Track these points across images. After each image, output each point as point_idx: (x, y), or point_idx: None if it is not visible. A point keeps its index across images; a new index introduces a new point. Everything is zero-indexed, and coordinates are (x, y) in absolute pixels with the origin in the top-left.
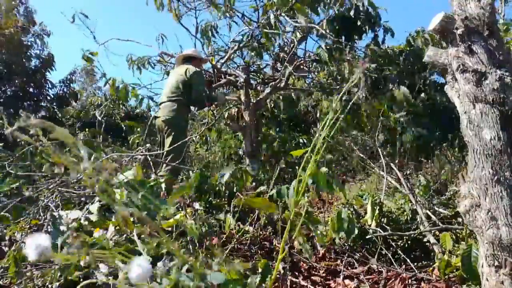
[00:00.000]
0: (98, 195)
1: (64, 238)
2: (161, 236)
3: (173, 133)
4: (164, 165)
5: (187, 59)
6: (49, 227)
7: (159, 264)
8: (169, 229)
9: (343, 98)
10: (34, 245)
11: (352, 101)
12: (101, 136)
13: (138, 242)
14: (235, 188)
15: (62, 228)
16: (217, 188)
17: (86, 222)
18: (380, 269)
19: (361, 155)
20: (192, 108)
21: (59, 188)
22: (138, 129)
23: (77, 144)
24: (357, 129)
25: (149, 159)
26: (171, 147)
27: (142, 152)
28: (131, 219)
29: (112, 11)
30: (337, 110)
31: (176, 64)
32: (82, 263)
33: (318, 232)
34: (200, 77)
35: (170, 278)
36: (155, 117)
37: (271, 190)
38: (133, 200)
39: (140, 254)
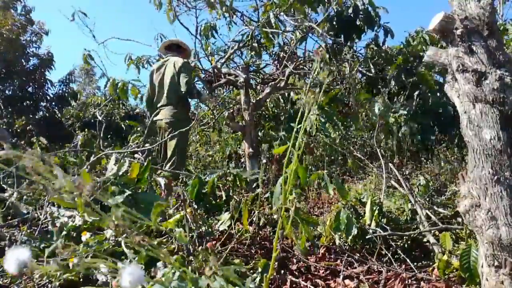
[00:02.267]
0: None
1: (53, 247)
2: (151, 243)
3: (176, 134)
4: (167, 166)
5: (173, 49)
6: (48, 226)
7: (159, 264)
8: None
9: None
10: (14, 258)
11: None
12: (101, 136)
13: (126, 251)
14: (231, 190)
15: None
16: (215, 190)
17: (80, 222)
18: (380, 269)
19: (359, 155)
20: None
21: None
22: (138, 129)
23: (50, 166)
24: (346, 126)
25: (140, 156)
26: (176, 149)
27: (133, 147)
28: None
29: (112, 11)
30: (312, 104)
31: (160, 51)
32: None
33: (304, 229)
34: (188, 68)
35: (162, 283)
36: (157, 120)
37: (267, 191)
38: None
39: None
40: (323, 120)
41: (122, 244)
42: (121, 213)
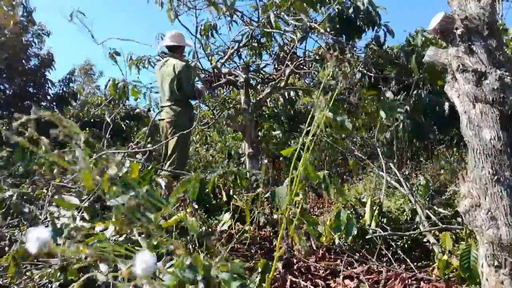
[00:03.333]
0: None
1: (68, 230)
2: (161, 235)
3: (178, 134)
4: (167, 166)
5: (171, 49)
6: (48, 224)
7: (159, 264)
8: (170, 228)
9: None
10: (35, 238)
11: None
12: (106, 137)
13: (139, 239)
14: (231, 190)
15: (60, 224)
16: (215, 190)
17: (81, 223)
18: (380, 269)
19: (360, 155)
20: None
21: (55, 188)
22: (143, 129)
23: (79, 140)
24: (352, 128)
25: (140, 157)
26: (177, 148)
27: (132, 147)
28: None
29: (113, 11)
30: (323, 107)
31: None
32: (83, 257)
33: (312, 229)
34: (188, 71)
35: (173, 273)
36: (160, 119)
37: (268, 191)
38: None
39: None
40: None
41: (135, 233)
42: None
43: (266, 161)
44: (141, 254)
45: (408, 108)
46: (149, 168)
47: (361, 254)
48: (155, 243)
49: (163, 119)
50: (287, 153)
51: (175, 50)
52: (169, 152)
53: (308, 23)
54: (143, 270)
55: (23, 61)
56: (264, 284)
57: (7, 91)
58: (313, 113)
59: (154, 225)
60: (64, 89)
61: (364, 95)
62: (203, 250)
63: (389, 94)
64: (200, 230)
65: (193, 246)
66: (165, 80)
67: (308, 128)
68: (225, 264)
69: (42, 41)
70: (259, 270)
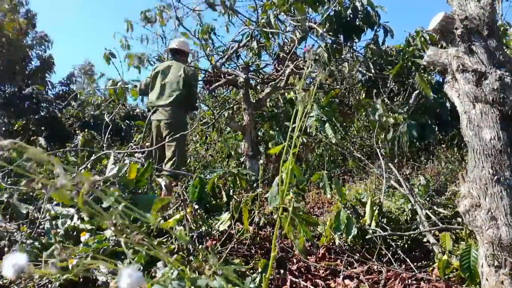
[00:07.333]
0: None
1: (51, 251)
2: (151, 242)
3: (176, 134)
4: (169, 166)
5: (177, 52)
6: (46, 224)
7: (159, 264)
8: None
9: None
10: (11, 264)
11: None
12: (105, 137)
13: (126, 251)
14: (231, 191)
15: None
16: (215, 190)
17: (79, 222)
18: (380, 269)
19: (359, 156)
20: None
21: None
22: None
23: (52, 162)
24: (345, 126)
25: (140, 156)
26: (175, 147)
27: (132, 147)
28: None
29: (112, 11)
30: (306, 102)
31: (164, 54)
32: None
33: (303, 229)
34: (198, 79)
35: (162, 284)
36: (154, 119)
37: (267, 191)
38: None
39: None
40: (323, 120)
41: (122, 243)
42: (121, 211)
43: (261, 161)
44: (126, 269)
45: (408, 109)
46: (146, 167)
47: (361, 254)
48: (143, 252)
49: (159, 120)
50: (275, 151)
51: (181, 55)
52: (168, 154)
53: (307, 23)
54: (128, 285)
55: (24, 62)
56: (263, 284)
57: (7, 92)
58: (296, 108)
59: (152, 224)
60: (64, 89)
61: (361, 99)
62: (201, 250)
63: (378, 105)
64: (200, 230)
65: (193, 246)
66: (171, 81)
67: (293, 125)
68: (220, 268)
69: (45, 46)
70: (259, 270)
